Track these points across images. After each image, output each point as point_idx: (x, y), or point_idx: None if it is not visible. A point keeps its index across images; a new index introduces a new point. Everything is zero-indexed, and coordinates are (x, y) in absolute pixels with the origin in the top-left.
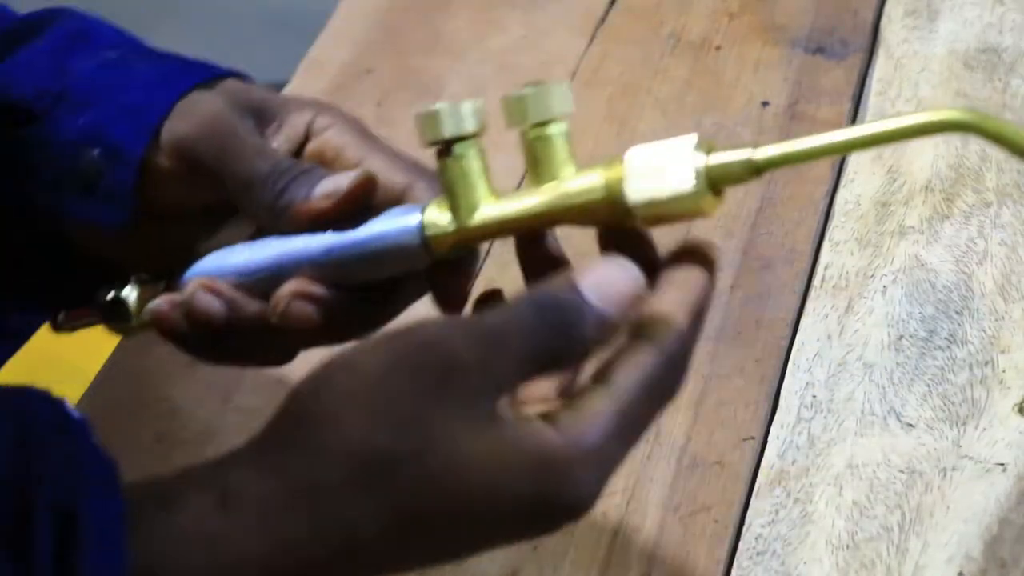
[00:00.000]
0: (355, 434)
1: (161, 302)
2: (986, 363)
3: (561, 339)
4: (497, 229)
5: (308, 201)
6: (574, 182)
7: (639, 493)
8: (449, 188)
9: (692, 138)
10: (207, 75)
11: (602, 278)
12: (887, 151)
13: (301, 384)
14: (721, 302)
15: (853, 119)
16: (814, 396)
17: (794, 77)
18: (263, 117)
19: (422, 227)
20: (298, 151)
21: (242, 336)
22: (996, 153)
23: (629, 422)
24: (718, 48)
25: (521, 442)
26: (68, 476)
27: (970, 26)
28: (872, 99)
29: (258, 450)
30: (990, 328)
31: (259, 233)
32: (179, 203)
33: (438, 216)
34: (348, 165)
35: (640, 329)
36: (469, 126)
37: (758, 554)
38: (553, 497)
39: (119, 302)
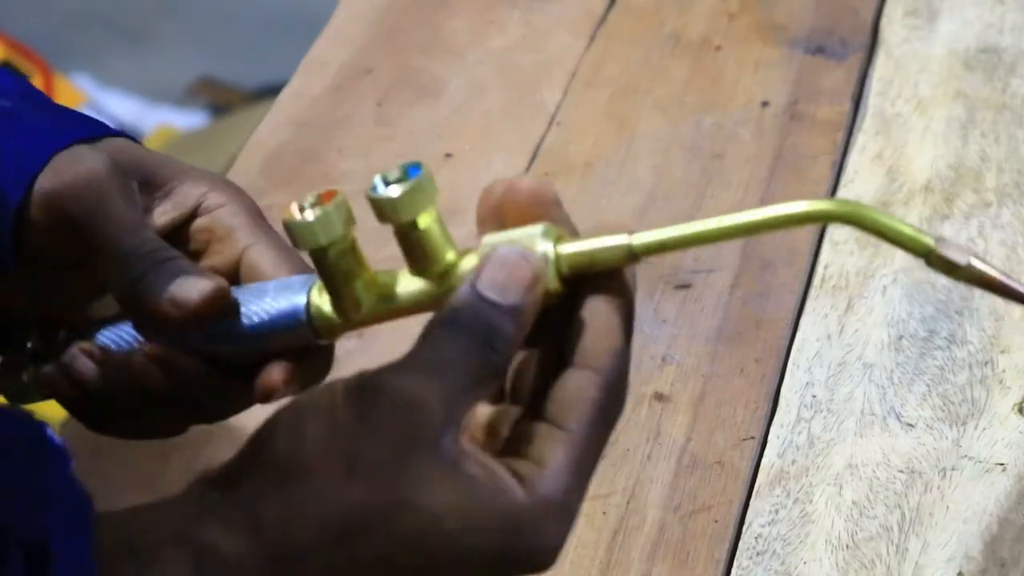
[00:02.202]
0: (330, 490)
1: (50, 368)
2: (986, 363)
3: (489, 346)
4: (384, 317)
5: (157, 302)
6: (456, 272)
7: (639, 493)
8: (332, 289)
9: (539, 227)
10: (95, 132)
11: (496, 275)
12: (888, 150)
13: (268, 429)
14: (721, 302)
15: (853, 119)
16: (814, 396)
17: (794, 77)
18: (151, 182)
19: (310, 319)
20: (184, 223)
21: (124, 406)
22: (996, 153)
23: (587, 463)
24: (718, 48)
25: (491, 501)
26: (41, 513)
27: (970, 26)
28: (872, 99)
29: (232, 503)
30: (990, 328)
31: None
32: (54, 254)
33: (323, 305)
34: (236, 249)
35: (579, 358)
36: (339, 229)
37: (758, 554)
38: (520, 553)
39: (20, 390)
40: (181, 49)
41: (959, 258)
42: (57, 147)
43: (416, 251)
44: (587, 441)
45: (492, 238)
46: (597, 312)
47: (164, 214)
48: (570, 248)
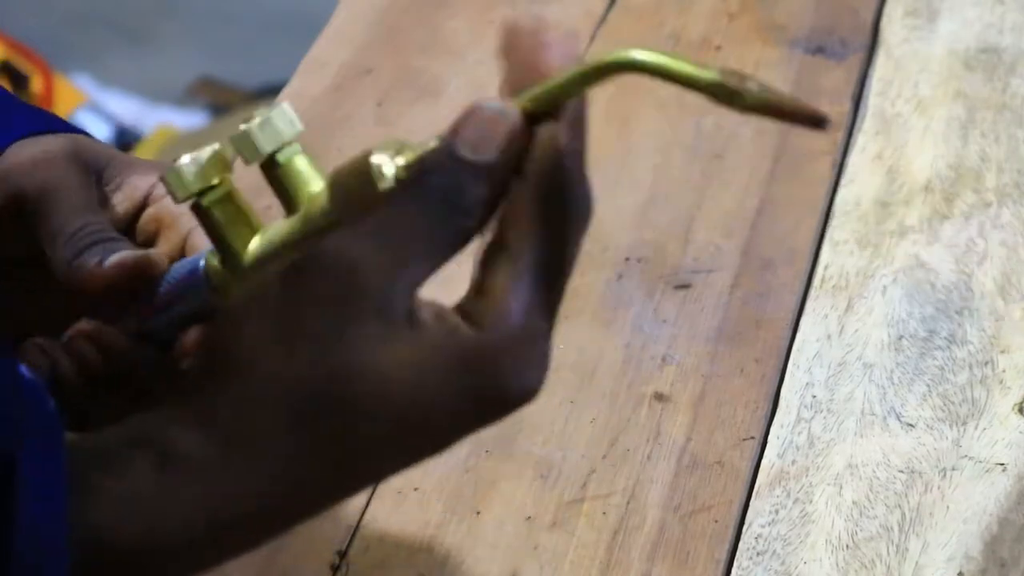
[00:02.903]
0: (275, 373)
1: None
2: (986, 363)
3: (456, 208)
4: (270, 263)
5: (80, 275)
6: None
7: (639, 493)
8: (215, 241)
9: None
10: (49, 126)
11: (469, 130)
12: (888, 150)
13: (212, 333)
14: (721, 302)
15: (853, 119)
16: (814, 396)
17: (794, 77)
18: (104, 175)
19: (207, 277)
20: (136, 214)
21: (74, 396)
22: (996, 153)
23: (545, 283)
24: (718, 48)
25: (441, 344)
26: (9, 427)
27: (970, 26)
28: (872, 99)
29: (185, 404)
30: (990, 328)
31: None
32: (16, 246)
33: (216, 262)
34: (179, 235)
35: (524, 168)
36: (211, 176)
37: (758, 554)
38: (490, 390)
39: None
40: (181, 49)
41: (744, 85)
42: (12, 138)
43: (281, 189)
44: (538, 261)
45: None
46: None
47: (117, 205)
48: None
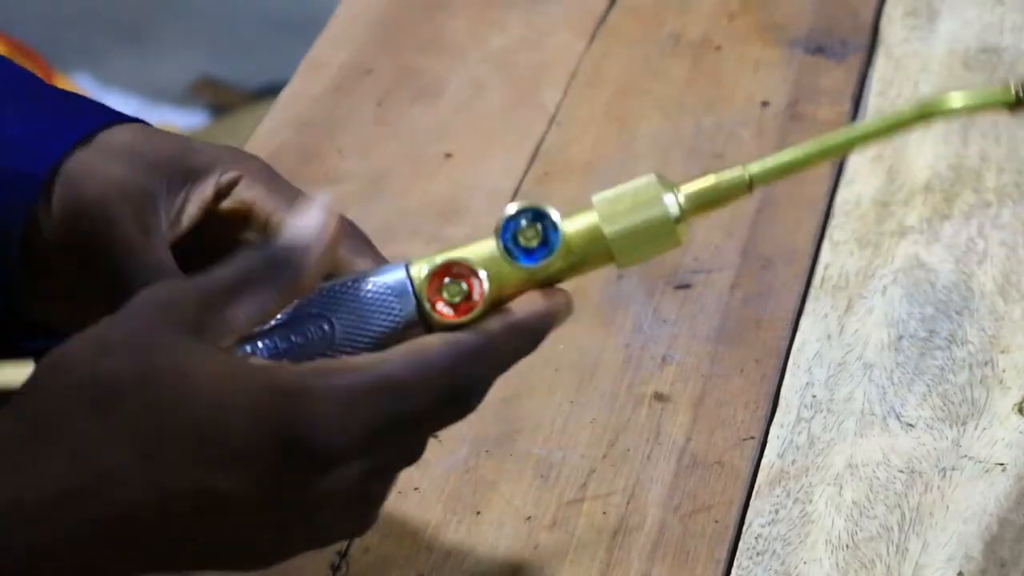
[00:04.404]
0: (83, 365)
1: None
2: (986, 363)
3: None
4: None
5: None
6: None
7: (639, 493)
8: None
9: (652, 176)
10: (94, 124)
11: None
12: (888, 150)
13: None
14: (721, 302)
15: (853, 119)
16: (814, 396)
17: (794, 77)
18: (174, 176)
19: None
20: (209, 208)
21: None
22: (996, 153)
23: (392, 391)
24: (718, 48)
25: (252, 370)
26: None
27: (970, 26)
28: (872, 99)
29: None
30: (990, 328)
31: None
32: (73, 277)
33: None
34: (259, 222)
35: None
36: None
37: (758, 554)
38: (289, 429)
39: None
40: (181, 49)
41: None
42: (59, 154)
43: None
44: (398, 376)
45: (605, 194)
46: (508, 311)
47: (188, 214)
48: (693, 187)
